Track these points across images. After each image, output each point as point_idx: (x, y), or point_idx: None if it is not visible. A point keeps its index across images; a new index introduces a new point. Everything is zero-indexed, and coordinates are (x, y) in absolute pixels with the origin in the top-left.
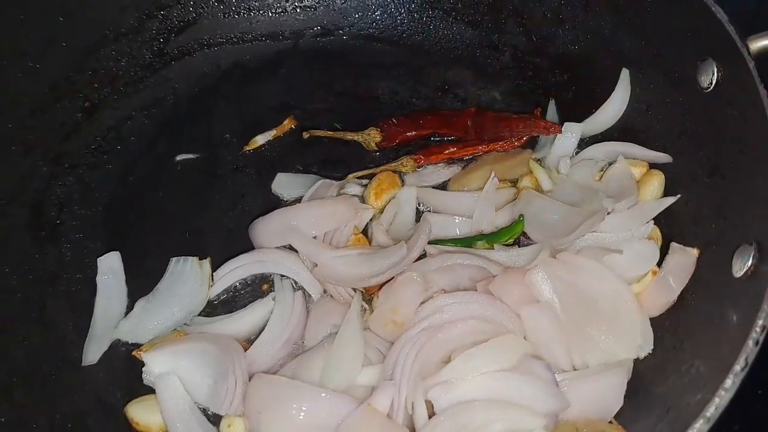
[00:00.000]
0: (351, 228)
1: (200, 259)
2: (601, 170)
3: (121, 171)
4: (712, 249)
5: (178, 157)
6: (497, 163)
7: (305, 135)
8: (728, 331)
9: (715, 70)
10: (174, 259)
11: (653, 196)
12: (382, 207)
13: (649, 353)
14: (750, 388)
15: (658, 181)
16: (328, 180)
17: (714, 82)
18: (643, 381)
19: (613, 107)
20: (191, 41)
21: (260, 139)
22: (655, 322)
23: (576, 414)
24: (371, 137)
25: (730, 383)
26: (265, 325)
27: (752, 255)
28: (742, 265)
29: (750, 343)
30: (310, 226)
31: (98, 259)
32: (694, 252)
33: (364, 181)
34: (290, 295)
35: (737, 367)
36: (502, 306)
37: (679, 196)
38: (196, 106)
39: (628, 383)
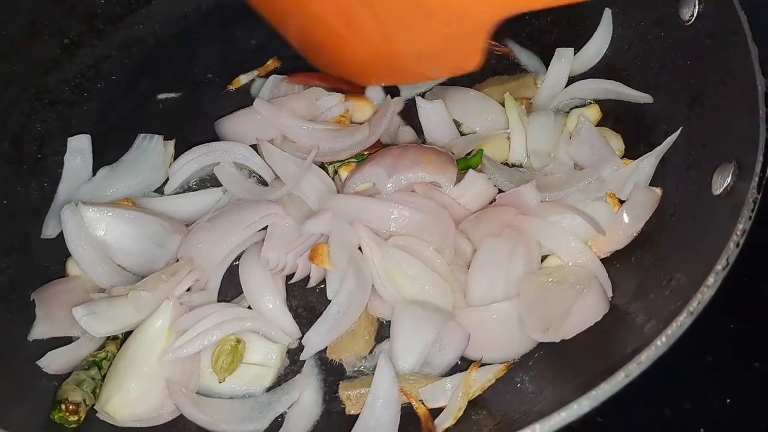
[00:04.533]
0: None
1: (166, 140)
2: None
3: (101, 108)
4: (692, 173)
5: (160, 96)
6: (503, 84)
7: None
8: (708, 244)
9: (697, 2)
10: (141, 135)
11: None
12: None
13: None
14: None
15: (616, 140)
16: (278, 75)
17: (695, 14)
18: (620, 301)
19: (596, 46)
20: None
21: (243, 79)
22: (634, 245)
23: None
24: None
25: (712, 281)
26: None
27: (731, 172)
28: (721, 183)
29: (731, 244)
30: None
31: (68, 138)
32: (658, 191)
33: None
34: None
35: (719, 267)
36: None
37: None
38: (177, 46)
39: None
